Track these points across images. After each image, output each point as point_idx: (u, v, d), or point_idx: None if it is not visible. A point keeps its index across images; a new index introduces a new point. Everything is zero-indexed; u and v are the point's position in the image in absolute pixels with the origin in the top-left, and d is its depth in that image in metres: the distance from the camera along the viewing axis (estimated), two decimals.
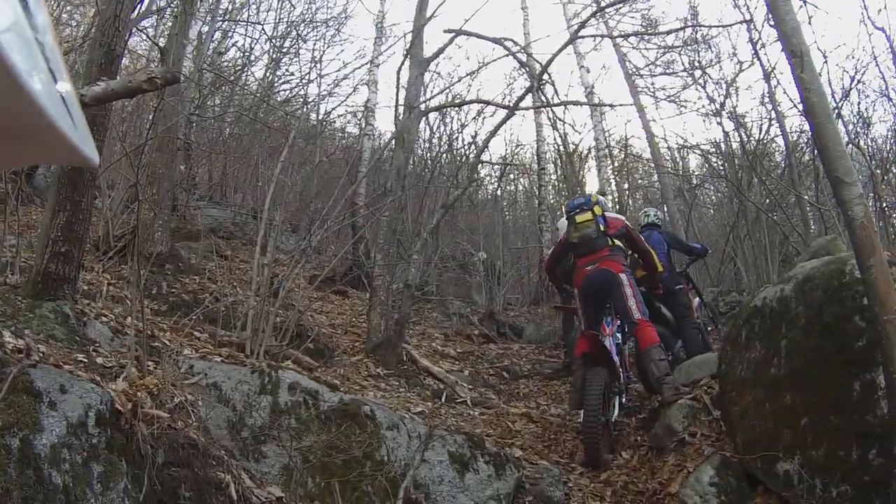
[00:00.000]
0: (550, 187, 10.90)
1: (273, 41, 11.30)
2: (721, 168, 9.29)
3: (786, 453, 2.56)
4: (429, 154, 10.63)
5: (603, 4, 8.75)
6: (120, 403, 2.03)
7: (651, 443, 3.48)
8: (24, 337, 2.28)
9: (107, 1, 3.29)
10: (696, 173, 11.42)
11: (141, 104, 7.07)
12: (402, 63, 6.58)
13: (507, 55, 7.03)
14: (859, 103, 14.36)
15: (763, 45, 7.48)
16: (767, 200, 7.84)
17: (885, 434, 2.22)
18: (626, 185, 13.31)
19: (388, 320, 5.36)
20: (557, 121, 8.57)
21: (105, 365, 2.49)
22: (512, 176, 14.31)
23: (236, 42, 12.90)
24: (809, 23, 6.59)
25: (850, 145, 6.37)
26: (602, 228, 4.09)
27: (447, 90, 9.92)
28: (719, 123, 8.97)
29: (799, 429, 2.53)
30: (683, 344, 4.78)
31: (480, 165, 9.76)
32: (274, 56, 11.62)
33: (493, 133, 6.74)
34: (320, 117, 11.43)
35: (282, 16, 11.48)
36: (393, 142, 6.66)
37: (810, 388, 2.55)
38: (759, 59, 7.64)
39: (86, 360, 2.43)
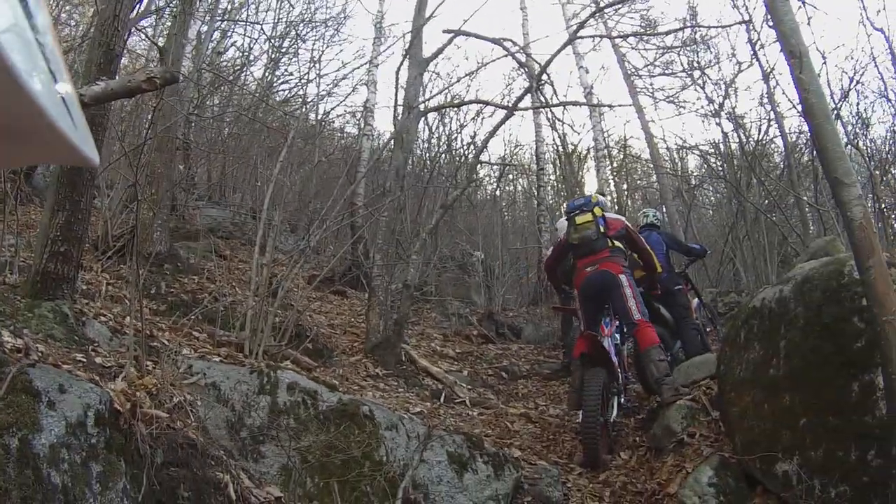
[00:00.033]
0: (549, 188, 10.88)
1: (272, 41, 11.28)
2: (720, 169, 9.29)
3: (785, 454, 2.56)
4: (428, 154, 10.61)
5: (602, 5, 8.77)
6: (119, 403, 2.03)
7: (650, 443, 3.49)
8: (22, 336, 2.28)
9: (106, 1, 3.29)
10: (695, 174, 11.39)
11: (140, 104, 7.05)
12: (401, 63, 6.57)
13: (506, 55, 7.05)
14: (858, 104, 14.37)
15: (762, 46, 7.48)
16: (766, 201, 7.85)
17: (883, 435, 2.22)
18: (624, 186, 13.29)
19: (387, 320, 5.36)
20: (556, 121, 8.58)
21: (104, 365, 2.49)
22: (511, 176, 14.30)
23: (235, 42, 12.92)
24: (808, 23, 6.61)
25: (849, 146, 6.36)
26: (602, 230, 4.09)
27: (446, 90, 9.90)
28: (718, 124, 8.98)
29: (798, 429, 2.54)
30: (682, 345, 4.78)
31: (479, 166, 9.76)
32: (273, 56, 11.60)
33: (492, 133, 6.76)
34: (319, 117, 11.40)
35: (281, 16, 11.49)
36: (392, 142, 6.66)
37: (809, 389, 2.55)
38: (758, 59, 7.65)
39: (85, 360, 2.43)
